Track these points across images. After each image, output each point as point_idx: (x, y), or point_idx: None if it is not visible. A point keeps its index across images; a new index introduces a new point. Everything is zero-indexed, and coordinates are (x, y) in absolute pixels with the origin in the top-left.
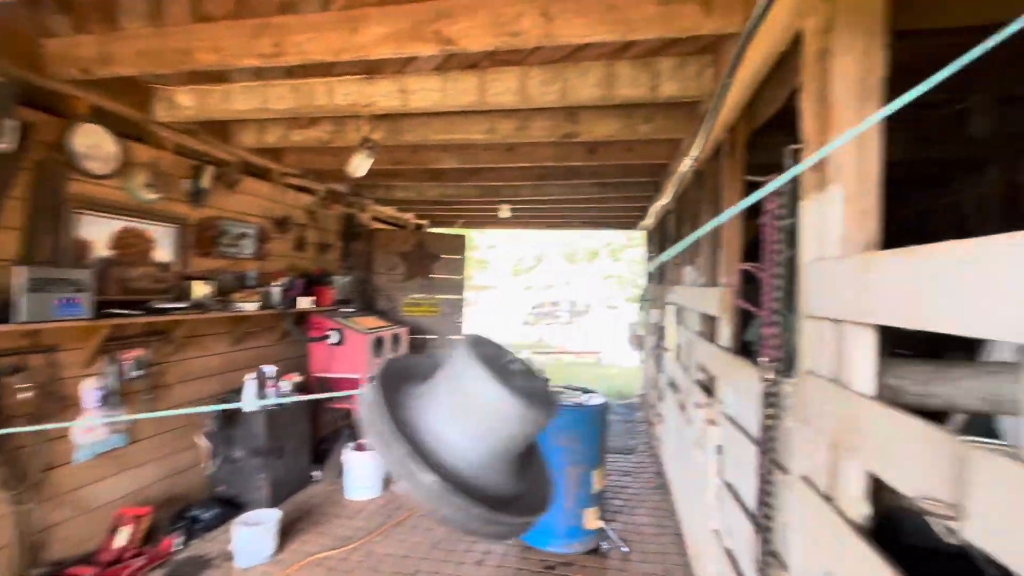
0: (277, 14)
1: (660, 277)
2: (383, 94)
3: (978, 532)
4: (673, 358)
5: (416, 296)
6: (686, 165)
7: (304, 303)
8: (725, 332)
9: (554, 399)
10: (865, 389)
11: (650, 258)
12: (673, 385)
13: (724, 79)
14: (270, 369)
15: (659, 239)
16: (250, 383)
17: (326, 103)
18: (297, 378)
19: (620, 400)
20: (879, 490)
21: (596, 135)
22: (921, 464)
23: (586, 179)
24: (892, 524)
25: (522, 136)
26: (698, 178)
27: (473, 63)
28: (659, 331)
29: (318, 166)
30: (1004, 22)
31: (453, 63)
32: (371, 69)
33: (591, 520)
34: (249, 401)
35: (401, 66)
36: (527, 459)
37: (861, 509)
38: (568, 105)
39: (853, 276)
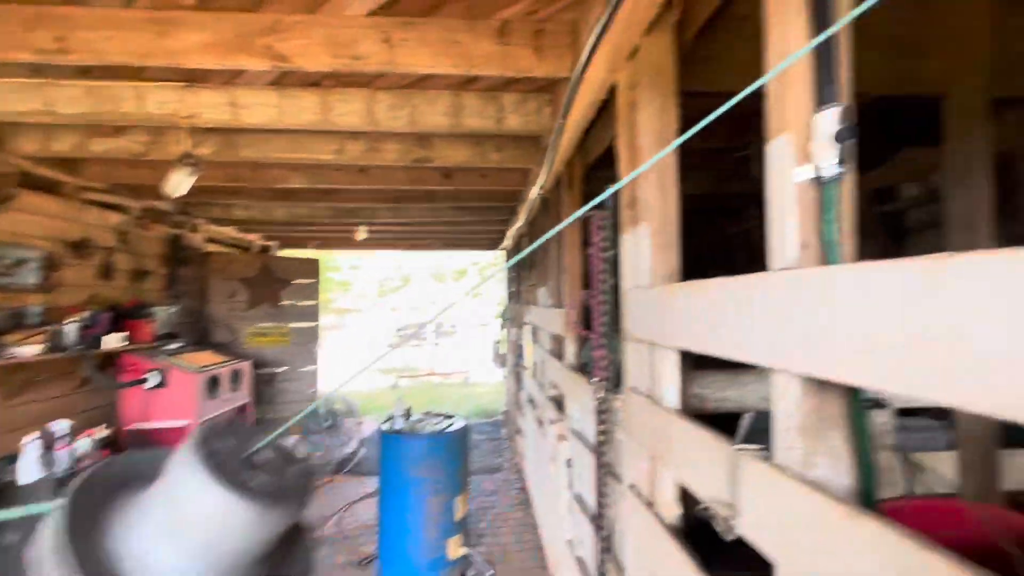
0: (60, 4)
1: (519, 297)
2: (209, 106)
3: (747, 526)
4: (531, 375)
5: (263, 325)
6: (535, 193)
7: (112, 341)
8: (570, 351)
9: (308, 487)
10: (672, 404)
11: (509, 279)
12: (531, 401)
13: (559, 119)
14: (61, 426)
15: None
16: (31, 447)
17: (134, 111)
18: (102, 432)
19: (486, 419)
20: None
21: (449, 161)
22: (710, 470)
23: (444, 202)
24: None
25: (374, 158)
26: (545, 205)
27: (315, 81)
28: (519, 349)
29: (132, 180)
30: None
31: (293, 79)
32: (192, 78)
33: (454, 549)
34: (28, 469)
35: (230, 77)
36: (283, 550)
37: (674, 512)
38: (419, 131)
39: (657, 304)
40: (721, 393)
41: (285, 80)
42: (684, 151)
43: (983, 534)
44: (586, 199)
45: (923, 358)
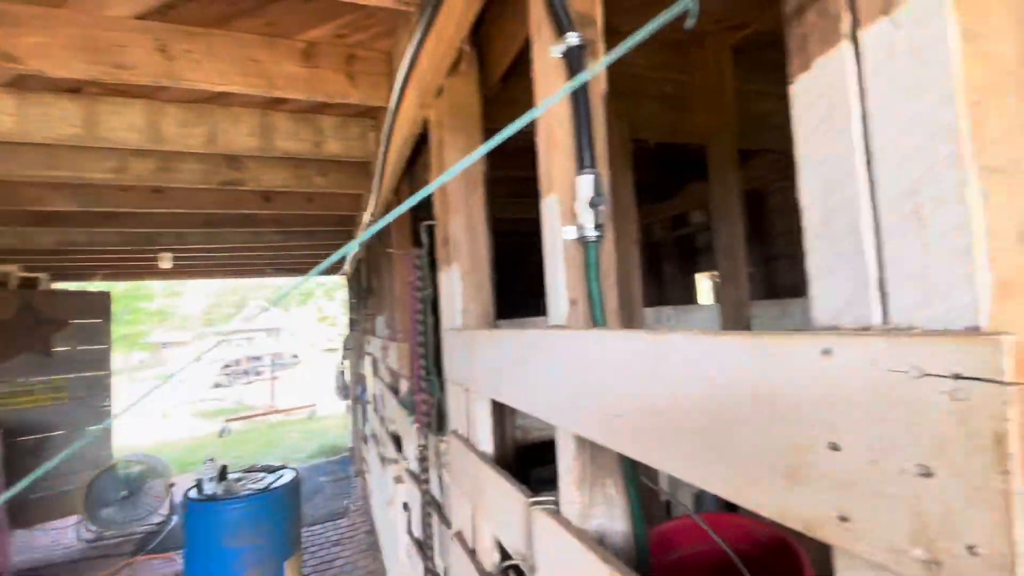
0: None
1: (360, 325)
2: None
3: None
4: (373, 409)
5: (25, 381)
6: (367, 219)
7: None
8: (404, 387)
9: None
10: (487, 449)
11: (351, 305)
12: (374, 437)
13: (382, 147)
14: None
15: (357, 286)
16: None
17: None
18: None
19: (333, 456)
20: None
21: (267, 184)
22: (511, 522)
23: (267, 227)
24: None
25: (170, 179)
26: (377, 233)
27: (73, 87)
28: (362, 380)
29: None
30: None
31: (38, 83)
32: None
33: None
34: None
35: None
36: None
37: (492, 559)
38: (225, 152)
39: (468, 347)
40: (543, 422)
41: (28, 84)
42: (512, 180)
43: (730, 541)
44: (416, 228)
45: (654, 424)
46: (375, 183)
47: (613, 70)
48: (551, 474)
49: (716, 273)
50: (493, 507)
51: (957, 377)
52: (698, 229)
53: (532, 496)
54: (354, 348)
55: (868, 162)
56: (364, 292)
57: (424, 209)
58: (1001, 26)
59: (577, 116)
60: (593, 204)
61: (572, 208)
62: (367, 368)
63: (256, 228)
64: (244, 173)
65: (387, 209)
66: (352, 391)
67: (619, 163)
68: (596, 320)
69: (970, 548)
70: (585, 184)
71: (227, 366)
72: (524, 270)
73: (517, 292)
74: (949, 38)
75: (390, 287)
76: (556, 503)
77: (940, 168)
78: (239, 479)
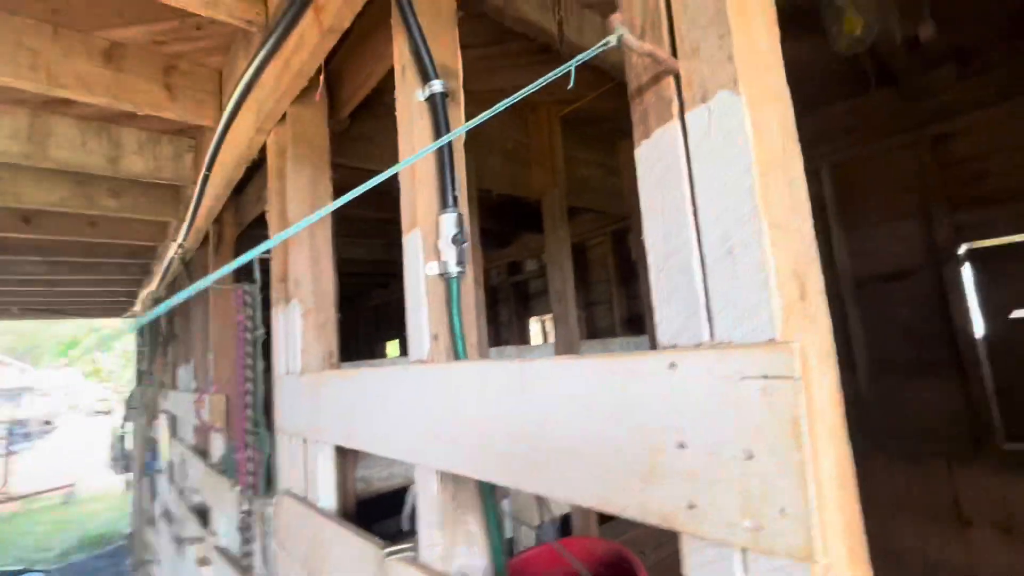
0: None
1: (152, 378)
2: None
3: None
4: (168, 480)
5: None
6: (174, 251)
7: None
8: (218, 446)
9: None
10: (329, 505)
11: (141, 354)
12: (167, 516)
13: (204, 170)
14: None
15: (152, 331)
16: None
17: None
18: None
19: (99, 549)
20: None
21: (30, 201)
22: None
23: (26, 255)
24: None
25: None
26: (187, 267)
27: None
28: (152, 445)
29: None
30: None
31: None
32: None
33: None
34: None
35: None
36: None
37: None
38: None
39: (309, 392)
40: (387, 471)
41: None
42: (357, 220)
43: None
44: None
45: (521, 454)
46: (190, 210)
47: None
48: (395, 527)
49: (549, 316)
50: (339, 568)
51: (766, 377)
52: (531, 276)
53: (386, 546)
54: (142, 407)
55: (695, 213)
56: (164, 338)
57: (255, 242)
58: (772, 124)
59: (441, 158)
60: (456, 241)
61: (435, 244)
62: (162, 431)
63: (9, 256)
64: None
65: (204, 241)
66: (137, 461)
67: (467, 209)
68: (458, 354)
69: (781, 510)
70: (449, 222)
71: None
72: (363, 313)
73: (356, 335)
74: (746, 127)
75: (204, 330)
76: (414, 549)
77: (745, 220)
78: None
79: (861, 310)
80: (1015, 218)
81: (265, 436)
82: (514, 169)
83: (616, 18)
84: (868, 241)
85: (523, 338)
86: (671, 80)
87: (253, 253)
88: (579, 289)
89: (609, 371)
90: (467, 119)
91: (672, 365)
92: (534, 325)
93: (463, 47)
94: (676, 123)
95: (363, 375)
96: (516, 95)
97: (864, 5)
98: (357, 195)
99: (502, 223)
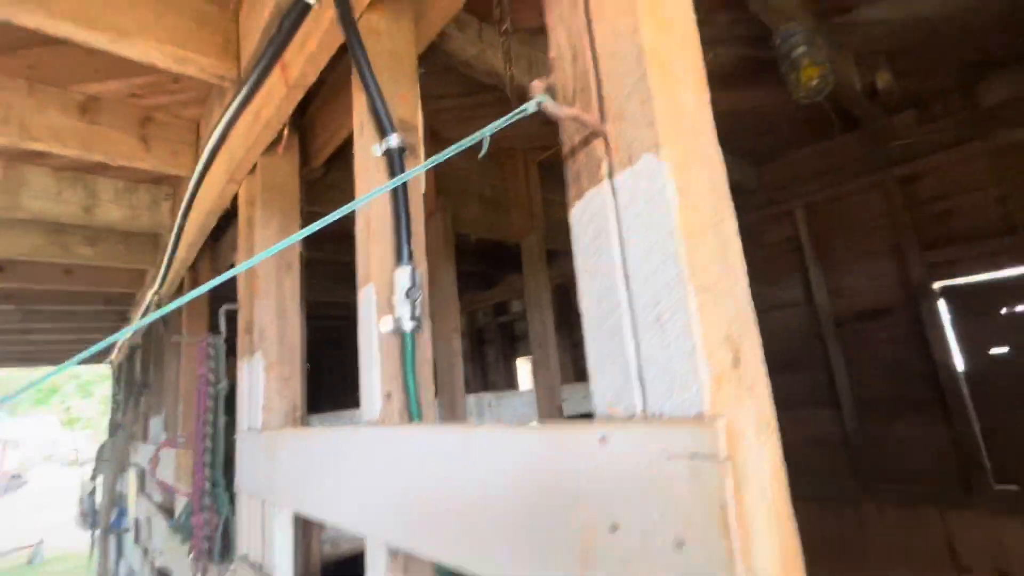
0: None
1: (124, 429)
2: None
3: None
4: (133, 540)
5: None
6: (150, 298)
7: None
8: (182, 506)
9: None
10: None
11: (116, 403)
12: None
13: (179, 219)
14: None
15: (128, 379)
16: None
17: None
18: None
19: None
20: None
21: (2, 252)
22: None
23: None
24: None
25: None
26: (164, 316)
27: None
28: (121, 502)
29: None
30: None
31: None
32: None
33: None
34: None
35: None
36: None
37: None
38: None
39: (268, 451)
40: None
41: None
42: (334, 263)
43: None
44: (213, 312)
45: (465, 528)
46: (165, 258)
47: (440, 170)
48: None
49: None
50: None
51: (693, 456)
52: (517, 317)
53: None
54: (113, 459)
55: (626, 277)
56: (138, 387)
57: (227, 291)
58: (701, 186)
59: (397, 212)
60: (410, 296)
61: (389, 299)
62: (131, 484)
63: None
64: None
65: (180, 287)
66: (104, 517)
67: (443, 254)
68: (412, 414)
69: None
70: (403, 276)
71: None
72: (347, 356)
73: (337, 380)
74: (668, 190)
75: (174, 381)
76: None
77: (671, 285)
78: None
79: (843, 349)
80: (983, 256)
81: (224, 497)
82: (492, 214)
83: (537, 85)
84: (845, 279)
85: (510, 380)
86: (601, 142)
87: (183, 301)
88: (564, 329)
89: (545, 443)
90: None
91: (603, 439)
92: (523, 366)
93: (439, 98)
94: (606, 185)
95: (315, 435)
96: (445, 152)
97: (819, 57)
98: (296, 239)
99: (487, 264)
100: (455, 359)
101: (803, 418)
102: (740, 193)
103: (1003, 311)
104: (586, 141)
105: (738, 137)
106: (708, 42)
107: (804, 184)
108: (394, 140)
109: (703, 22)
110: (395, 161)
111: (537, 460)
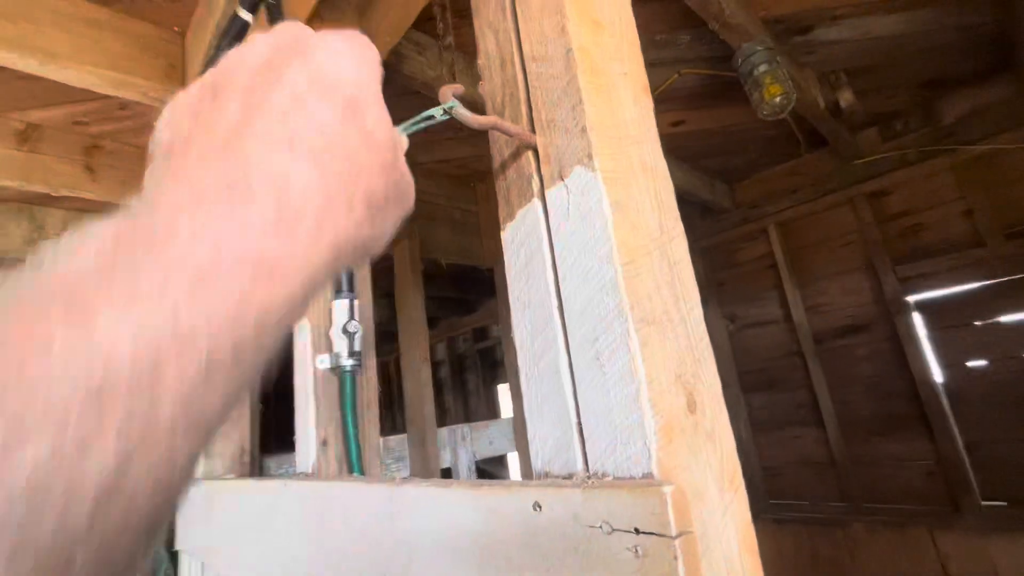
0: None
1: None
2: None
3: None
4: None
5: None
6: None
7: None
8: None
9: None
10: None
11: None
12: None
13: None
14: None
15: None
16: None
17: None
18: None
19: None
20: None
21: None
22: None
23: None
24: None
25: None
26: None
27: None
28: None
29: None
30: None
31: None
32: None
33: None
34: None
35: None
36: None
37: None
38: None
39: (205, 506)
40: None
41: None
42: None
43: None
44: None
45: None
46: None
47: None
48: None
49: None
50: None
51: (637, 532)
52: (498, 342)
53: None
54: None
55: (560, 308)
56: None
57: None
58: (643, 201)
59: None
60: (349, 330)
61: (327, 334)
62: None
63: None
64: None
65: None
66: None
67: (410, 280)
68: (352, 464)
69: None
70: (341, 309)
71: None
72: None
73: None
74: (604, 206)
75: None
76: None
77: (610, 319)
78: None
79: (823, 366)
80: (954, 269)
81: (163, 556)
82: (463, 239)
83: (447, 89)
84: (822, 296)
85: (492, 407)
86: (531, 154)
87: None
88: None
89: (475, 506)
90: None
91: (536, 506)
92: (504, 392)
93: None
94: (537, 203)
95: (246, 489)
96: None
97: (780, 75)
98: None
99: (464, 289)
100: (425, 390)
101: (787, 438)
102: (715, 212)
103: (978, 323)
104: (516, 154)
105: (710, 156)
106: (672, 62)
107: (776, 202)
108: None
109: (666, 42)
110: None
111: (468, 523)
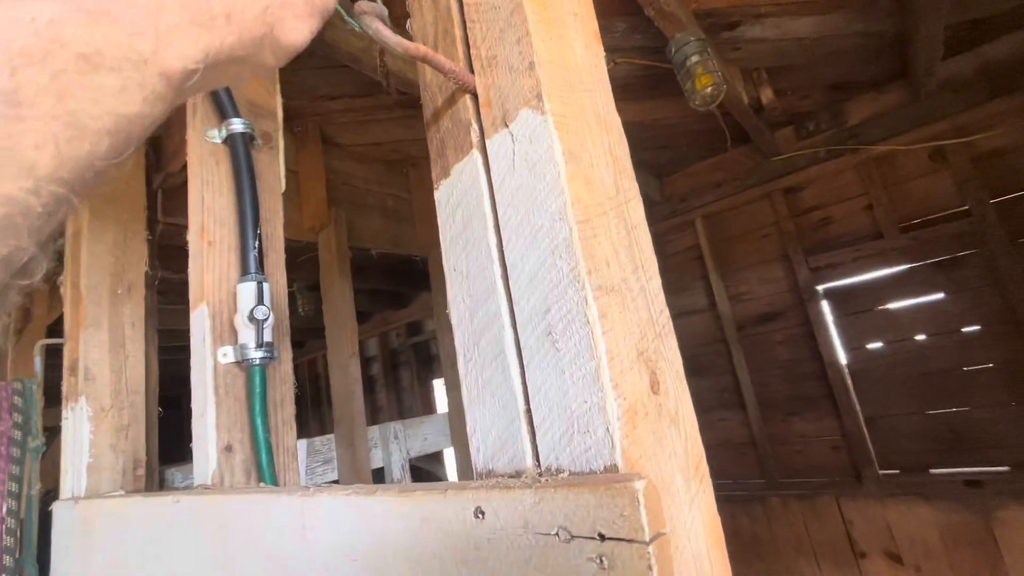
0: None
1: None
2: None
3: None
4: None
5: None
6: None
7: None
8: None
9: None
10: None
11: None
12: None
13: None
14: None
15: None
16: None
17: None
18: None
19: None
20: None
21: None
22: None
23: None
24: None
25: None
26: None
27: None
28: None
29: None
30: None
31: None
32: None
33: None
34: None
35: None
36: None
37: None
38: None
39: (83, 530)
40: None
41: None
42: None
43: None
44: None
45: None
46: None
47: (331, 179)
48: None
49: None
50: None
51: (602, 538)
52: (432, 336)
53: None
54: None
55: (506, 276)
56: None
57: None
58: (598, 155)
59: (242, 211)
60: (254, 318)
61: (231, 323)
62: None
63: None
64: None
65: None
66: None
67: (337, 269)
68: (262, 471)
69: None
70: (246, 293)
71: None
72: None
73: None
74: (556, 154)
75: None
76: None
77: (564, 285)
78: None
79: (745, 352)
80: (857, 259)
81: None
82: (396, 227)
83: (363, 4)
84: (743, 286)
85: (427, 403)
86: (469, 99)
87: None
88: None
89: (403, 516)
90: (340, 173)
91: (479, 512)
92: (440, 387)
93: (331, 98)
94: (476, 154)
95: (131, 508)
96: None
97: (712, 67)
98: None
99: (398, 282)
100: (354, 386)
101: (713, 421)
102: (647, 204)
103: (877, 308)
104: (451, 100)
105: (642, 149)
106: (608, 50)
107: (703, 195)
108: (238, 124)
109: (602, 28)
110: (239, 150)
111: (395, 536)
